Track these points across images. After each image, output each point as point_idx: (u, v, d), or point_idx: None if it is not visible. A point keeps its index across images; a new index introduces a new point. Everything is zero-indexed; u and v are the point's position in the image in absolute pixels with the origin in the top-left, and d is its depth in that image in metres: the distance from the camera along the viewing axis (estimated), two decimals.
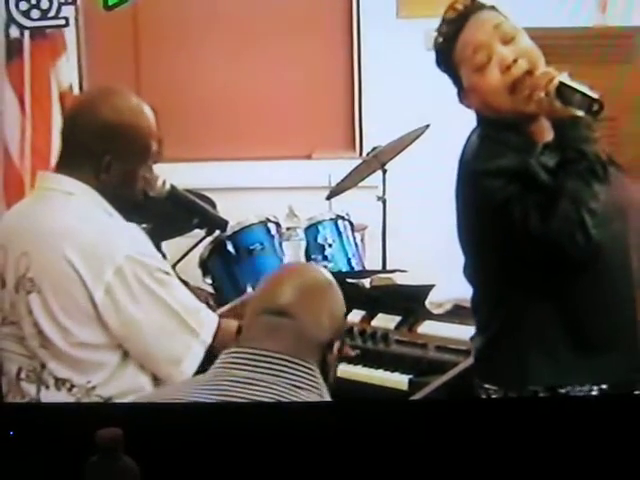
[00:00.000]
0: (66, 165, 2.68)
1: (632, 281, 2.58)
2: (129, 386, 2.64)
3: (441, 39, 2.56)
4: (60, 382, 2.62)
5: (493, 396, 2.56)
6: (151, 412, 2.26)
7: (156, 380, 2.68)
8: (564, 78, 2.42)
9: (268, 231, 4.07)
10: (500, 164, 2.44)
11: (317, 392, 2.15)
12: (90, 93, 2.97)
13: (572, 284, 2.47)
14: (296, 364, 2.14)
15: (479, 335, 2.65)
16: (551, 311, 2.49)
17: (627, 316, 2.56)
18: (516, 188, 2.42)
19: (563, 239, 2.38)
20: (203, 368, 2.60)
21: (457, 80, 2.57)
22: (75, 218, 2.62)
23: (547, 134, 2.53)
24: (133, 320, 2.60)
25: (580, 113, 2.42)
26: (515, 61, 2.46)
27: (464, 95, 2.57)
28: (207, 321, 2.69)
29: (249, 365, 2.15)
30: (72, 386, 2.62)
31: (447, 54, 2.54)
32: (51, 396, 2.63)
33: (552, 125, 2.50)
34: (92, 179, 2.65)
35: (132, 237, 2.65)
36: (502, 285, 2.53)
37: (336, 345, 2.24)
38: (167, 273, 2.67)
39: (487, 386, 2.58)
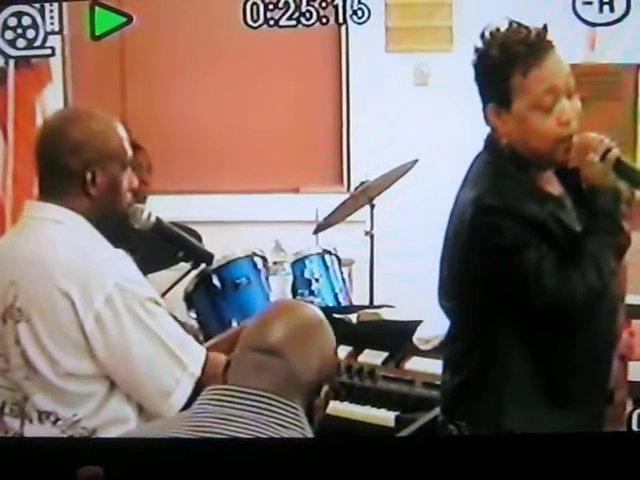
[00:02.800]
0: (50, 192, 2.66)
1: (613, 344, 2.62)
2: (114, 416, 2.61)
3: (502, 51, 2.49)
4: (44, 415, 2.59)
5: (464, 432, 2.56)
6: (133, 448, 2.24)
7: (141, 410, 2.65)
8: (620, 153, 2.48)
9: (254, 265, 4.05)
10: (524, 207, 2.44)
11: (300, 431, 2.11)
12: (52, 118, 2.97)
13: (557, 338, 2.48)
14: (280, 402, 2.10)
15: (451, 371, 2.64)
16: (530, 361, 2.49)
17: (602, 377, 2.60)
18: (535, 234, 2.43)
19: (573, 296, 2.42)
20: (191, 401, 2.57)
21: (495, 94, 2.51)
22: (65, 247, 2.59)
23: (552, 187, 2.56)
24: (122, 350, 2.57)
25: (622, 188, 2.50)
26: (572, 119, 2.49)
27: (496, 114, 2.52)
28: (196, 354, 2.67)
29: (232, 402, 2.10)
30: (57, 419, 2.59)
31: (505, 70, 2.48)
32: (35, 430, 2.59)
33: (590, 188, 2.53)
34: (81, 199, 2.63)
35: (121, 264, 2.63)
36: (485, 325, 2.52)
37: (324, 389, 2.18)
38: (157, 303, 2.65)
39: (458, 422, 2.57)
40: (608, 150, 2.47)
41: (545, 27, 2.51)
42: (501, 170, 2.52)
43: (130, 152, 2.72)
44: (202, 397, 2.17)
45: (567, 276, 2.42)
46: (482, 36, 2.54)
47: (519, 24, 2.52)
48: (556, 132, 2.48)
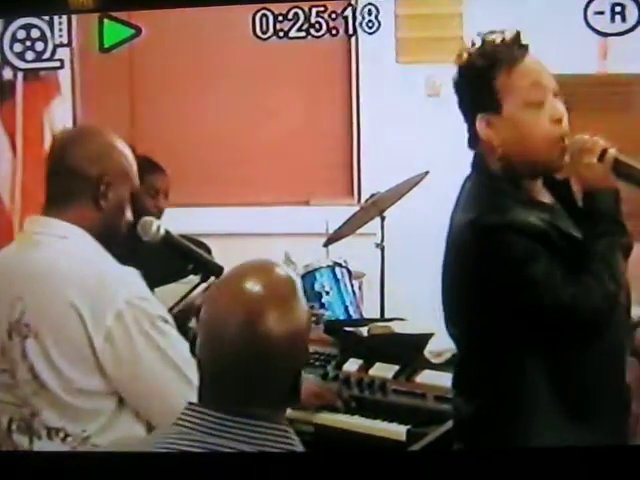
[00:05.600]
0: (58, 204, 2.66)
1: (624, 348, 2.60)
2: (125, 435, 2.60)
3: (485, 57, 2.51)
4: (53, 431, 2.58)
5: None
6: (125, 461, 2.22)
7: (151, 429, 2.63)
8: (617, 152, 2.47)
9: None
10: (524, 219, 2.42)
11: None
12: (71, 130, 2.99)
13: (576, 350, 2.45)
14: (266, 427, 1.94)
15: (464, 397, 2.60)
16: (550, 377, 2.46)
17: (618, 383, 2.57)
18: (539, 245, 2.40)
19: (591, 301, 2.40)
20: None
21: (483, 101, 2.51)
22: (74, 262, 2.59)
23: (544, 197, 2.55)
24: (132, 367, 2.57)
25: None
26: (564, 117, 2.49)
27: (487, 123, 2.51)
28: None
29: (214, 429, 1.95)
30: (66, 435, 2.58)
31: (490, 74, 2.49)
32: (44, 447, 2.58)
33: (588, 192, 2.51)
34: (90, 211, 2.64)
35: (131, 281, 2.63)
36: (498, 349, 2.48)
37: (302, 376, 1.99)
38: (167, 322, 2.64)
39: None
40: (605, 150, 2.46)
41: (518, 33, 2.52)
42: (494, 188, 2.50)
43: (137, 182, 2.73)
44: (180, 416, 2.02)
45: (582, 282, 2.41)
46: (460, 56, 2.57)
47: (493, 32, 2.54)
48: (550, 130, 2.47)
